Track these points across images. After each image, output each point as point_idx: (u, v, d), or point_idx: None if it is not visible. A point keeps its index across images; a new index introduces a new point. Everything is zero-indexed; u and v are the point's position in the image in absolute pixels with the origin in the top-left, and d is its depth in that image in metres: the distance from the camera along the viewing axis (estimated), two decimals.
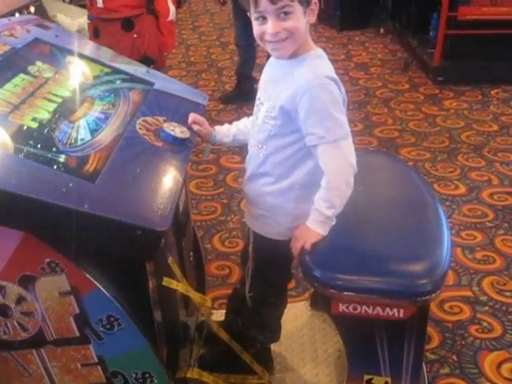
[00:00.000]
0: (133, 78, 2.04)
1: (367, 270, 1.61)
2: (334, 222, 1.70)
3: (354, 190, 1.69)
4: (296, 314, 2.39)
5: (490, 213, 3.37)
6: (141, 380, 1.73)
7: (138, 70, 2.13)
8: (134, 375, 1.73)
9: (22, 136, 1.50)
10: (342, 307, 1.65)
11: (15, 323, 1.67)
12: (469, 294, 2.75)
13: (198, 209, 3.46)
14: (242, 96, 4.86)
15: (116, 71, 2.03)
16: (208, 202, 3.57)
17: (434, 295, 1.58)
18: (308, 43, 1.70)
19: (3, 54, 1.82)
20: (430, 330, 2.51)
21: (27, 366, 1.77)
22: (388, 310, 1.62)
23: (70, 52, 2.01)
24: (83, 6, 4.19)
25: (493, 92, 5.14)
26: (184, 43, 6.89)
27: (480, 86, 5.22)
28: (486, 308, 2.66)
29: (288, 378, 2.14)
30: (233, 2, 4.78)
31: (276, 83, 1.73)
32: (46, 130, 1.57)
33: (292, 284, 2.73)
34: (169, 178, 1.59)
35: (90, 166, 1.50)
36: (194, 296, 1.83)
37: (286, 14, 1.58)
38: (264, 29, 1.62)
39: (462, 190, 3.62)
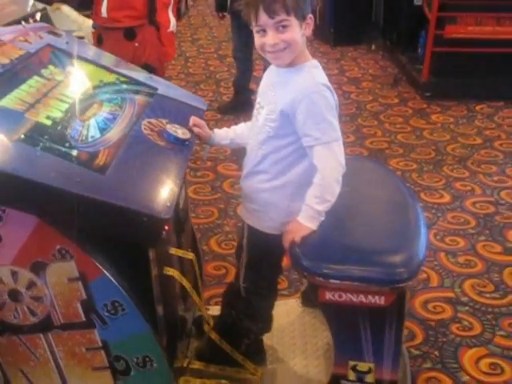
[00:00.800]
0: (137, 83, 2.18)
1: (351, 260, 1.76)
2: (323, 218, 1.83)
3: (342, 189, 1.83)
4: (288, 310, 2.51)
5: (473, 220, 3.52)
6: (141, 364, 1.83)
7: (142, 75, 2.27)
8: (135, 359, 1.82)
9: (38, 131, 1.63)
10: (328, 295, 1.79)
11: (25, 308, 1.76)
12: (451, 295, 2.89)
13: (196, 213, 3.58)
14: (239, 107, 5.00)
15: (122, 76, 2.17)
16: (205, 206, 3.71)
17: (410, 283, 1.75)
18: (305, 54, 1.86)
19: (18, 57, 1.94)
20: (415, 327, 2.65)
21: (34, 350, 1.85)
22: (370, 297, 1.76)
23: (80, 57, 2.15)
24: (87, 16, 4.33)
25: (478, 107, 5.32)
26: (183, 55, 7.05)
27: (465, 102, 5.39)
28: (467, 308, 2.80)
29: (279, 369, 2.26)
30: (232, 17, 4.94)
31: (276, 89, 1.87)
32: (60, 127, 1.71)
33: (284, 284, 2.87)
34: (171, 173, 1.73)
35: (99, 161, 1.63)
36: (186, 285, 1.94)
37: (283, 27, 1.73)
38: (264, 40, 1.78)
39: (447, 198, 3.77)
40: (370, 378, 1.90)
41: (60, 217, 1.55)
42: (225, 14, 5.11)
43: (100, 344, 1.81)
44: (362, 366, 1.89)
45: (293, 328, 2.46)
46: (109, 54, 2.36)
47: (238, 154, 4.18)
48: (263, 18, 1.73)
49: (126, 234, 1.57)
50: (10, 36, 2.11)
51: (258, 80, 2.04)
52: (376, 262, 1.75)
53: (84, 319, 1.77)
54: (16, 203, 1.53)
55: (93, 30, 3.68)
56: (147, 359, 1.83)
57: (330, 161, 1.80)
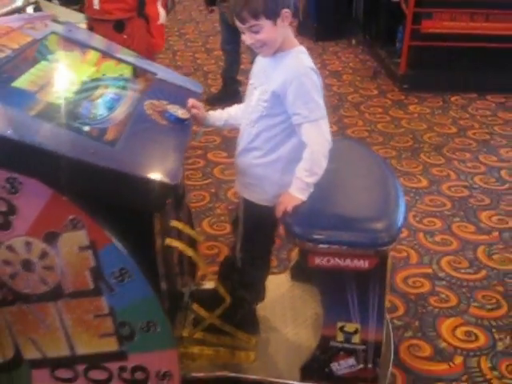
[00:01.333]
0: (138, 68, 2.32)
1: (338, 226, 1.93)
2: (312, 190, 1.99)
3: (328, 165, 1.99)
4: (278, 285, 2.66)
5: (448, 203, 3.72)
6: (145, 329, 1.95)
7: (141, 61, 2.41)
8: (139, 324, 1.94)
9: (51, 109, 1.76)
10: (317, 260, 1.95)
11: (36, 277, 1.85)
12: (429, 271, 3.08)
13: (188, 197, 3.71)
14: (227, 98, 5.09)
15: (123, 61, 2.31)
16: (197, 191, 3.87)
17: (391, 246, 1.92)
18: (290, 40, 2.01)
19: (26, 43, 2.06)
20: (396, 300, 2.83)
21: (44, 319, 1.93)
22: (356, 261, 1.92)
23: (83, 44, 2.28)
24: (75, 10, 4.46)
25: (452, 99, 5.54)
26: (171, 49, 7.18)
27: (441, 93, 5.61)
28: (444, 282, 2.99)
29: (272, 337, 2.41)
30: (220, 11, 5.10)
31: (268, 72, 2.03)
32: (71, 106, 1.84)
33: (274, 262, 3.02)
34: (175, 147, 1.88)
35: (108, 136, 1.76)
36: (190, 253, 2.06)
37: (255, 30, 1.91)
38: (244, 38, 1.98)
39: (424, 183, 3.97)
40: (356, 339, 2.07)
41: (75, 186, 1.67)
42: (214, 7, 5.25)
43: (107, 311, 1.91)
44: (349, 327, 2.05)
45: (283, 300, 2.61)
46: (109, 42, 2.48)
47: (227, 142, 4.35)
48: (237, 23, 1.93)
49: (136, 201, 1.71)
50: (17, 23, 2.23)
51: (245, 72, 2.20)
52: (360, 228, 1.92)
53: (92, 287, 1.87)
54: (34, 173, 1.64)
55: (85, 22, 3.80)
56: (151, 324, 1.95)
57: (318, 137, 1.96)
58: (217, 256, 3.16)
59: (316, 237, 1.90)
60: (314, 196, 2.00)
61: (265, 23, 1.89)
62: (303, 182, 1.98)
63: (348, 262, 1.92)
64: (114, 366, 2.03)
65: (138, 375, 2.05)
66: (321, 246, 1.90)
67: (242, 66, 5.41)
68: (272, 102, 1.99)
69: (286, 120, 2.00)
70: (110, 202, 1.70)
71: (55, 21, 2.39)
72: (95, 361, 2.03)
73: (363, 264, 1.92)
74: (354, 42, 7.23)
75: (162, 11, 3.78)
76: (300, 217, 1.95)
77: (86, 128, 1.75)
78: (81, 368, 2.04)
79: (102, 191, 1.69)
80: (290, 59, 1.98)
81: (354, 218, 1.96)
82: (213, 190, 3.87)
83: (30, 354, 2.02)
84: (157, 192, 1.68)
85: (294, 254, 2.93)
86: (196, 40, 7.60)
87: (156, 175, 1.68)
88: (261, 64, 2.10)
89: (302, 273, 2.68)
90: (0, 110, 1.63)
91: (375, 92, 5.77)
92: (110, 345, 1.99)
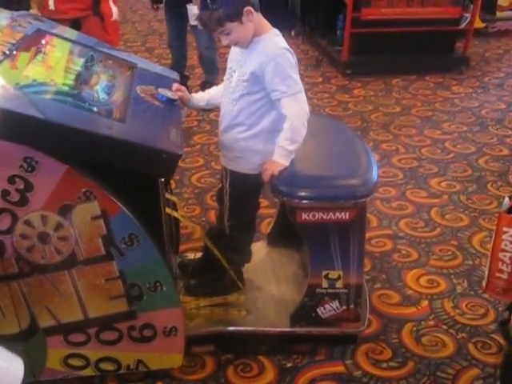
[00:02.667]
0: (120, 59, 2.54)
1: (321, 184, 2.22)
2: (293, 156, 2.26)
3: (307, 134, 2.25)
4: (257, 251, 2.88)
5: (400, 173, 4.08)
6: (153, 289, 2.15)
7: (122, 53, 2.64)
8: (147, 285, 2.14)
9: (62, 93, 1.97)
10: (304, 216, 2.22)
11: (52, 248, 2.01)
12: (389, 232, 3.40)
13: None
14: None
15: (107, 54, 2.52)
16: None
17: (368, 198, 2.22)
18: (263, 27, 2.26)
19: (20, 39, 2.23)
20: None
21: (59, 287, 2.10)
22: (338, 214, 2.20)
23: (68, 39, 2.47)
24: None
25: (394, 81, 5.92)
26: None
27: (383, 77, 5.99)
28: (404, 241, 3.32)
29: (258, 294, 2.67)
30: (166, 8, 5.28)
31: (245, 55, 2.27)
32: (76, 91, 2.05)
33: None
34: (173, 123, 2.12)
35: (116, 115, 1.99)
36: (185, 220, 2.29)
37: (226, 33, 2.17)
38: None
39: (376, 157, 4.20)
40: (339, 284, 2.35)
41: (92, 159, 1.88)
42: (159, 5, 5.43)
43: (117, 274, 2.11)
44: (333, 274, 2.33)
45: (263, 263, 2.87)
46: (90, 37, 2.68)
47: (185, 133, 4.55)
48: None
49: (149, 168, 1.94)
50: (5, 21, 2.40)
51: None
52: (340, 184, 2.22)
53: (104, 253, 2.05)
54: (54, 150, 1.83)
55: None
56: (158, 284, 2.16)
57: (297, 108, 2.22)
58: (191, 234, 3.39)
59: (301, 194, 2.17)
60: (296, 161, 2.26)
61: (231, 25, 2.14)
62: (286, 149, 2.23)
63: (331, 215, 2.20)
64: (123, 326, 2.24)
65: (146, 332, 2.26)
66: (306, 201, 2.17)
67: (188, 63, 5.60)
68: (251, 81, 2.24)
69: (265, 96, 2.25)
70: (125, 171, 1.91)
71: (37, 19, 2.58)
72: (106, 322, 2.22)
73: (344, 216, 2.20)
74: (293, 33, 7.46)
75: (114, 8, 3.98)
76: (286, 178, 2.22)
77: (95, 109, 1.97)
78: (93, 331, 2.23)
79: (118, 162, 1.90)
80: (265, 42, 2.23)
81: (334, 176, 2.26)
82: (177, 177, 4.08)
83: (46, 322, 2.18)
84: (167, 160, 1.92)
85: (267, 224, 3.20)
86: (135, 40, 7.72)
87: (166, 146, 1.93)
88: (238, 49, 2.34)
89: (278, 239, 2.96)
90: (19, 94, 1.82)
91: (320, 79, 6.07)
92: (121, 306, 2.19)
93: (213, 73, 5.36)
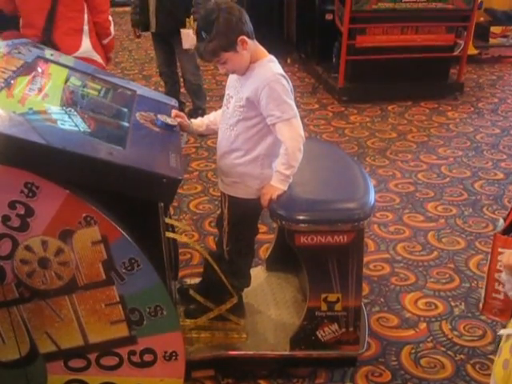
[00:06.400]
0: (119, 86, 2.59)
1: (319, 207, 2.25)
2: (291, 180, 2.29)
3: (303, 160, 2.29)
4: (256, 276, 2.89)
5: (397, 198, 4.11)
6: (153, 313, 2.15)
7: (120, 80, 2.69)
8: (147, 309, 2.14)
9: (60, 120, 2.00)
10: (302, 239, 2.24)
11: (52, 273, 2.01)
12: (387, 256, 3.42)
13: None
14: None
15: (105, 81, 2.57)
16: None
17: (365, 221, 2.24)
18: (259, 53, 2.31)
19: (21, 65, 2.29)
20: None
21: (59, 312, 2.09)
22: (336, 237, 2.23)
23: (66, 66, 2.52)
24: None
25: (390, 107, 5.99)
26: None
27: (379, 103, 6.06)
28: (402, 264, 3.34)
29: (258, 319, 2.68)
30: (152, 36, 5.34)
31: (241, 82, 2.32)
32: (74, 117, 2.08)
33: None
34: (173, 148, 2.15)
35: (116, 141, 2.02)
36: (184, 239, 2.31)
37: (222, 63, 2.24)
38: None
39: (373, 183, 4.24)
40: (338, 307, 2.36)
41: (93, 184, 1.91)
42: (141, 33, 5.45)
43: (118, 299, 2.10)
44: (332, 297, 2.35)
45: (262, 288, 2.89)
46: (89, 65, 2.73)
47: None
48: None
49: (150, 193, 1.96)
50: (5, 49, 2.45)
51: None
52: (338, 207, 2.25)
53: (104, 277, 2.05)
54: (55, 174, 1.86)
55: None
56: (158, 308, 2.15)
57: (291, 133, 2.25)
58: (190, 260, 3.41)
59: (300, 217, 2.20)
60: (294, 185, 2.30)
61: (227, 55, 2.21)
62: (282, 174, 2.27)
63: (329, 239, 2.23)
64: (124, 351, 2.22)
65: (147, 357, 2.25)
66: (304, 225, 2.20)
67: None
68: (247, 107, 2.28)
69: (261, 122, 2.29)
70: (125, 196, 1.94)
71: (36, 46, 2.63)
72: (107, 347, 2.21)
73: (342, 239, 2.23)
74: (289, 61, 7.58)
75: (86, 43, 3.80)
76: (284, 203, 2.25)
77: (96, 134, 2.00)
78: (93, 356, 2.22)
79: (119, 187, 1.93)
80: (260, 68, 2.28)
81: (332, 200, 2.29)
82: (175, 204, 4.10)
83: (46, 347, 2.17)
84: (168, 185, 1.95)
85: (265, 249, 3.22)
86: (132, 68, 7.81)
87: (167, 171, 1.96)
88: (235, 76, 2.38)
89: (276, 264, 2.98)
90: (21, 120, 1.86)
91: (316, 106, 6.14)
92: (121, 331, 2.18)
93: (201, 98, 5.43)
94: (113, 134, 2.09)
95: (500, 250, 1.98)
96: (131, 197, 1.95)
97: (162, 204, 2.07)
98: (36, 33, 3.58)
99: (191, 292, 2.57)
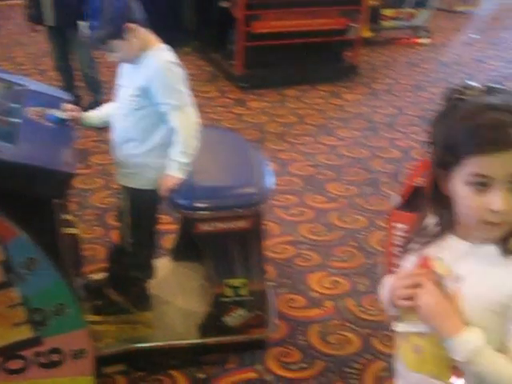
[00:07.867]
0: (8, 81, 2.49)
1: (218, 194, 2.28)
2: (189, 168, 2.29)
3: (201, 148, 2.30)
4: (162, 266, 2.87)
5: (299, 181, 4.21)
6: (57, 312, 2.10)
7: (12, 76, 2.59)
8: (51, 309, 2.10)
9: None
10: (203, 227, 2.26)
11: None
12: (291, 238, 3.50)
13: None
14: None
15: None
16: None
17: (262, 205, 2.30)
18: (151, 42, 2.30)
19: None
20: (266, 266, 3.18)
21: None
22: (235, 222, 2.27)
23: None
24: None
25: (288, 92, 6.07)
26: None
27: (277, 88, 6.11)
28: (306, 246, 3.42)
29: (166, 309, 2.68)
30: (48, 30, 5.17)
31: (132, 72, 2.30)
32: None
33: None
34: (66, 143, 2.11)
35: (4, 137, 1.96)
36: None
37: (109, 51, 2.22)
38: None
39: (274, 167, 4.33)
40: (243, 291, 2.40)
41: None
42: (38, 28, 5.26)
43: (20, 300, 2.05)
44: (236, 282, 2.39)
45: (169, 278, 2.88)
46: None
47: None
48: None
49: (42, 189, 1.91)
50: None
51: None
52: (236, 193, 2.29)
53: (5, 279, 2.00)
54: None
55: None
56: (61, 307, 2.12)
57: (185, 121, 2.27)
58: (94, 256, 3.35)
59: (199, 205, 2.22)
60: (192, 174, 2.30)
61: (114, 43, 2.19)
62: (179, 162, 2.27)
63: (229, 224, 2.26)
64: (29, 353, 2.17)
65: (54, 357, 2.21)
66: (204, 212, 2.22)
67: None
68: (139, 96, 2.26)
69: (154, 110, 2.28)
70: (18, 194, 1.88)
71: None
72: (11, 351, 2.16)
73: (242, 224, 2.27)
74: (188, 49, 7.50)
75: None
76: (183, 192, 2.26)
77: None
78: None
79: (8, 185, 1.86)
80: (152, 57, 2.27)
81: (230, 186, 2.31)
82: (77, 200, 4.02)
83: None
84: (59, 180, 1.91)
85: (170, 240, 3.22)
86: (27, 62, 7.53)
87: (57, 166, 1.92)
88: (126, 65, 2.36)
89: (182, 253, 2.98)
90: None
91: (216, 93, 6.12)
92: (25, 332, 2.13)
93: (99, 91, 5.35)
94: (2, 130, 2.01)
95: (394, 224, 2.08)
96: (25, 194, 1.90)
97: (58, 200, 2.03)
98: None
99: (104, 289, 2.54)
